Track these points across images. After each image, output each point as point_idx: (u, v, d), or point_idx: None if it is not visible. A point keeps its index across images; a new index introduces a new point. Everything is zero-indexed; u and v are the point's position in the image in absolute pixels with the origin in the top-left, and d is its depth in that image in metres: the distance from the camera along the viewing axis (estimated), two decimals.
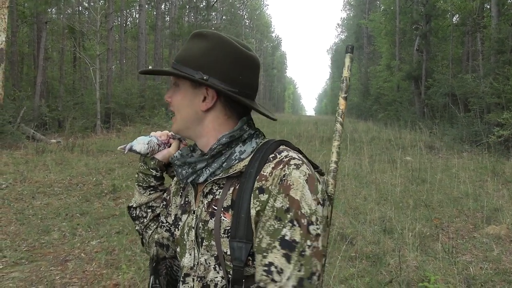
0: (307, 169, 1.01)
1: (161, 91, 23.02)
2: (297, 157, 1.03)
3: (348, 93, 1.25)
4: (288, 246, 0.92)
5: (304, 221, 0.94)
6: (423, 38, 24.03)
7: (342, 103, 1.24)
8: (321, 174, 1.13)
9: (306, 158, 1.08)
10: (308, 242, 0.94)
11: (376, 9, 40.04)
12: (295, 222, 0.94)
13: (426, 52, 23.64)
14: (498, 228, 5.43)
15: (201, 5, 32.89)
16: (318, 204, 0.98)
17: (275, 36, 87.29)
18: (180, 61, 1.10)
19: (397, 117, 24.19)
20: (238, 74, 1.07)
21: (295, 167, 0.99)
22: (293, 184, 0.97)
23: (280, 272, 0.91)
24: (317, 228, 0.96)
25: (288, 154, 1.03)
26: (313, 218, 0.96)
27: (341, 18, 71.08)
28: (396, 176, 7.99)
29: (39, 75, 16.18)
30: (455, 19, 23.15)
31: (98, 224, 5.40)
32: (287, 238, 0.93)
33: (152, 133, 1.30)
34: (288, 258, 0.92)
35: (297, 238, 0.93)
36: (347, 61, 1.25)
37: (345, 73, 1.24)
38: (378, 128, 19.68)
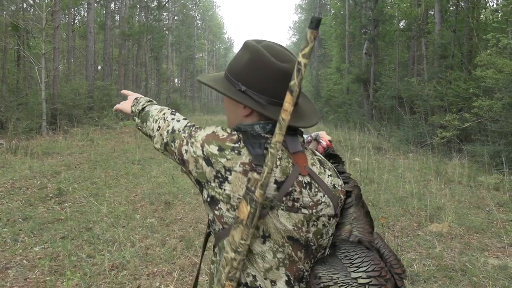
0: (220, 131, 1.23)
1: (110, 92, 22.50)
2: (225, 130, 1.24)
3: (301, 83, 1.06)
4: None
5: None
6: (371, 42, 24.72)
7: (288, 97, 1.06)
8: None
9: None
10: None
11: (327, 13, 40.83)
12: None
13: (374, 55, 24.32)
14: (440, 226, 5.66)
15: (152, 5, 32.41)
16: (201, 141, 1.21)
17: (228, 37, 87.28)
18: (229, 71, 1.31)
19: (347, 119, 24.74)
20: (271, 86, 1.20)
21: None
22: None
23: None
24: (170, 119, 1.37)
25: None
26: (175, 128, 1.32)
27: (293, 21, 71.94)
28: None
29: None
30: (401, 24, 23.94)
31: (42, 229, 5.20)
32: None
33: (320, 133, 1.60)
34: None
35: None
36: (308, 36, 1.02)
37: (300, 56, 1.04)
38: (329, 130, 20.04)
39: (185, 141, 1.25)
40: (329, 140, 1.56)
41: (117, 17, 31.44)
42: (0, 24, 19.43)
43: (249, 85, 1.23)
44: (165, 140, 1.33)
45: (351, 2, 28.44)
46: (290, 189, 1.17)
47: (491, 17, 12.95)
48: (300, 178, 1.20)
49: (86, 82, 20.78)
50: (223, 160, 1.16)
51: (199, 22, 62.01)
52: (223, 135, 1.21)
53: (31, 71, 21.15)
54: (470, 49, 15.71)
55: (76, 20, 33.70)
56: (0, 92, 17.64)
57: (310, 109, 1.35)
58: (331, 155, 1.50)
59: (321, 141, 1.55)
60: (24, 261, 4.24)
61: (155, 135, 1.39)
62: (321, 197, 1.23)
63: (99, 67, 29.94)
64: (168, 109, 1.46)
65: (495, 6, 17.19)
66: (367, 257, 1.17)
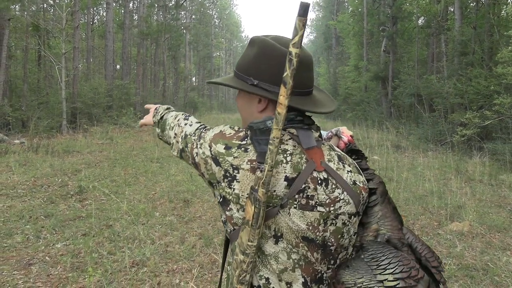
0: (228, 129, 1.22)
1: (129, 91, 22.72)
2: (232, 128, 1.22)
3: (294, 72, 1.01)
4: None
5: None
6: (390, 40, 24.47)
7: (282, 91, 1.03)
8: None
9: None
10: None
11: (344, 11, 40.52)
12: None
13: (393, 53, 24.08)
14: (461, 224, 5.59)
15: (170, 4, 32.58)
16: (209, 142, 1.20)
17: (245, 36, 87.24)
18: (238, 68, 1.28)
19: (365, 117, 24.54)
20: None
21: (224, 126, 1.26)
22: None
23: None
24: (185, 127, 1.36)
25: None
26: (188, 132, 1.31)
27: (310, 19, 71.31)
28: None
29: (2, 74, 15.69)
30: (420, 21, 23.64)
31: (63, 226, 5.28)
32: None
33: (340, 128, 1.55)
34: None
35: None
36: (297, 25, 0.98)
37: (290, 46, 1.00)
38: (347, 128, 19.89)
39: (195, 144, 1.24)
40: (350, 136, 1.51)
41: (136, 17, 31.70)
42: (21, 24, 19.77)
43: (261, 78, 1.20)
44: (180, 147, 1.33)
45: None
46: (303, 186, 1.12)
47: None
48: (315, 174, 1.15)
49: (105, 81, 21.02)
50: (230, 159, 1.14)
51: (216, 20, 62.18)
52: (229, 133, 1.19)
53: (51, 71, 21.48)
54: (491, 46, 15.42)
55: (95, 20, 34.10)
56: (22, 91, 17.96)
57: (326, 98, 1.33)
58: (353, 151, 1.43)
59: (342, 136, 1.50)
60: (47, 257, 4.31)
61: (172, 142, 1.40)
62: (339, 194, 1.17)
63: (118, 66, 30.23)
64: (183, 114, 1.46)
65: None
66: (395, 257, 1.10)
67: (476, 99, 13.93)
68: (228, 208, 1.16)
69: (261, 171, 1.06)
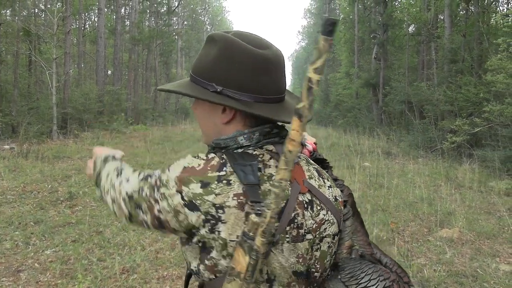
0: (194, 161, 0.97)
1: (120, 96, 22.67)
2: (198, 157, 0.98)
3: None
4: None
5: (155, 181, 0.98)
6: (381, 47, 24.66)
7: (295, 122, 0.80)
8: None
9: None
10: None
11: (336, 18, 40.76)
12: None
13: (384, 60, 24.26)
14: (450, 231, 5.63)
15: (162, 10, 32.62)
16: (177, 185, 0.93)
17: None
18: (195, 72, 1.05)
19: (356, 123, 24.65)
20: (252, 79, 0.98)
21: (188, 158, 1.00)
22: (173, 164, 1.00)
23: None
24: (160, 193, 0.95)
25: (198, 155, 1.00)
26: (163, 183, 0.96)
27: (302, 26, 71.86)
28: (354, 181, 8.14)
29: None
30: (411, 29, 23.87)
31: (53, 233, 5.24)
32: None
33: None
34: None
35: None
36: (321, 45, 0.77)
37: (310, 71, 0.77)
38: (338, 135, 20.02)
39: (152, 200, 0.96)
40: (314, 143, 1.32)
41: (127, 22, 31.67)
42: (12, 29, 19.67)
43: (225, 84, 0.98)
44: (126, 213, 1.03)
45: (360, 6, 28.43)
46: (293, 214, 0.95)
47: (501, 21, 12.91)
48: (300, 197, 0.98)
49: (96, 87, 20.96)
50: (211, 198, 0.91)
51: (208, 27, 62.19)
52: (199, 165, 0.95)
53: (42, 76, 21.37)
54: (480, 54, 15.60)
55: (87, 25, 34.01)
56: (12, 96, 17.81)
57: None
58: (318, 160, 1.23)
59: (307, 144, 1.29)
60: (36, 264, 4.28)
61: (114, 210, 1.09)
62: (324, 215, 1.01)
63: (109, 72, 30.11)
64: (114, 170, 1.13)
65: (505, 10, 17.11)
66: (375, 273, 1.00)
67: (465, 106, 14.07)
68: (209, 257, 0.94)
69: (257, 215, 0.85)
